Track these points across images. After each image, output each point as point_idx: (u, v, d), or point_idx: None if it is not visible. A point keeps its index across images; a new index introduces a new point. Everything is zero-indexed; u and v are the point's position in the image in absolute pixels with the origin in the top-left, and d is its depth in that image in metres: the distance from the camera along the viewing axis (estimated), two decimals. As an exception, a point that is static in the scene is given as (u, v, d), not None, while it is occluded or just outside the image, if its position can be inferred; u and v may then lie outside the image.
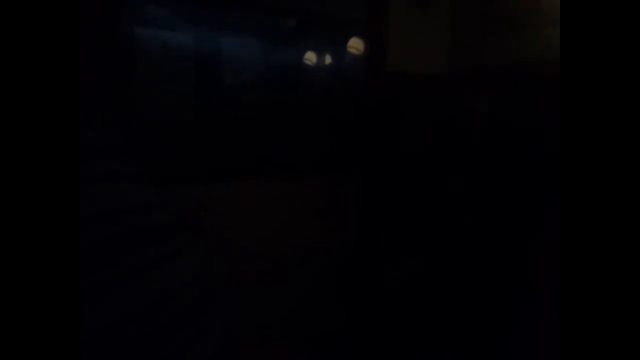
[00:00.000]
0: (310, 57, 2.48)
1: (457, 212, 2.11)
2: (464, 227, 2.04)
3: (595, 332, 0.55)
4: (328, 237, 2.19)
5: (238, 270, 1.91)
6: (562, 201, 0.59)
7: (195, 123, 2.16)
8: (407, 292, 2.10)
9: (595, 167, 0.58)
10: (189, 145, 2.08)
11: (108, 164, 0.68)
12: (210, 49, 2.18)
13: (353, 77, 2.44)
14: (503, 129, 1.98)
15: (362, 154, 2.26)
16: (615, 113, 0.58)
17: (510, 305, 1.75)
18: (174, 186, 1.74)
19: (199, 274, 0.78)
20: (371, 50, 2.26)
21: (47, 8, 0.47)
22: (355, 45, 2.37)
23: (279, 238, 2.07)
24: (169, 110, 2.09)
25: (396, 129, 2.24)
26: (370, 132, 2.24)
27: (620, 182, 0.56)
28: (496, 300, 1.80)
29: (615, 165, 0.57)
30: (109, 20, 1.58)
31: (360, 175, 2.25)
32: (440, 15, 2.33)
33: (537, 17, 1.81)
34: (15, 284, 0.43)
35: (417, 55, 2.28)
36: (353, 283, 2.24)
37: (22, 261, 0.43)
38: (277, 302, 2.05)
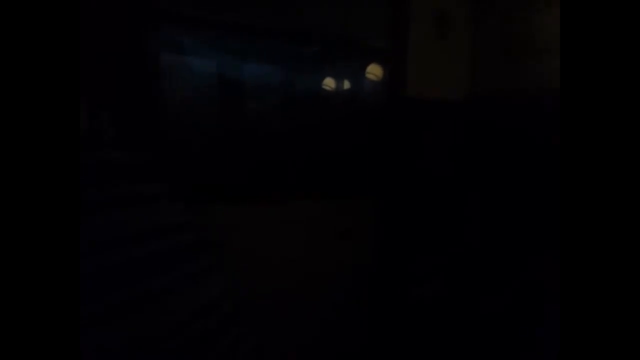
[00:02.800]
0: (329, 83, 2.54)
1: (476, 232, 2.07)
2: (483, 247, 2.00)
3: (595, 333, 0.54)
4: (350, 256, 2.19)
5: (263, 288, 1.93)
6: (562, 210, 0.60)
7: (221, 146, 2.23)
8: (429, 312, 2.06)
9: (595, 178, 0.59)
10: (214, 167, 2.15)
11: (137, 185, 0.71)
12: (233, 74, 2.27)
13: (373, 102, 2.48)
14: (522, 152, 1.96)
15: (383, 176, 2.27)
16: (612, 132, 0.59)
17: (528, 323, 1.69)
18: (202, 207, 1.78)
19: (227, 291, 0.80)
20: (391, 76, 2.29)
21: (49, 15, 0.49)
22: (375, 71, 2.41)
23: (303, 257, 2.09)
24: (195, 133, 2.17)
25: (416, 152, 2.25)
26: (390, 155, 2.25)
27: (620, 192, 0.57)
28: (514, 319, 1.75)
29: (614, 177, 0.58)
30: (138, 48, 1.68)
31: (381, 197, 2.26)
32: (460, 41, 2.35)
33: (554, 42, 1.81)
34: (16, 286, 0.45)
35: (437, 81, 2.30)
36: (375, 302, 2.22)
37: (22, 262, 0.46)
38: (301, 320, 2.05)
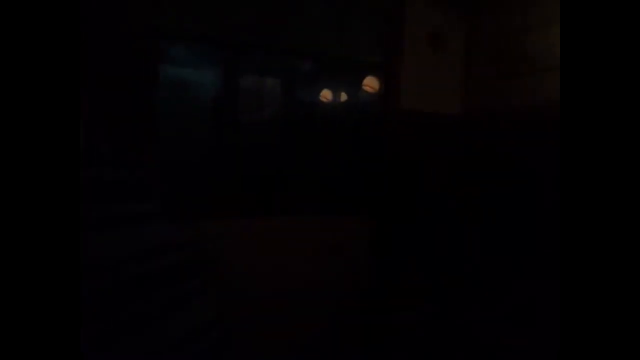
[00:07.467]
0: (326, 96, 2.55)
1: (471, 253, 2.07)
2: (477, 269, 1.99)
3: (595, 332, 0.54)
4: (343, 274, 2.17)
5: (254, 306, 1.91)
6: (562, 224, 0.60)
7: (214, 161, 2.22)
8: (418, 333, 2.04)
9: (595, 191, 0.59)
10: (208, 183, 2.14)
11: (129, 204, 0.70)
12: (228, 88, 2.27)
13: (368, 117, 2.49)
14: (516, 169, 1.97)
15: (376, 192, 2.27)
16: (610, 153, 0.59)
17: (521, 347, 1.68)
18: (194, 224, 1.78)
19: (219, 311, 0.79)
20: (386, 90, 2.31)
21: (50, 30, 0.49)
22: (371, 84, 2.43)
23: (295, 274, 2.07)
24: (188, 149, 2.16)
25: (411, 167, 2.25)
26: (383, 170, 2.26)
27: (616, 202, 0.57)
28: (507, 343, 1.73)
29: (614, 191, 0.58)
30: (135, 64, 1.67)
31: (375, 213, 2.25)
32: (455, 56, 2.38)
33: (548, 60, 1.84)
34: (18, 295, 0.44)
35: (432, 95, 2.32)
36: (367, 320, 2.20)
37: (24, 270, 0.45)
38: (291, 338, 2.03)
